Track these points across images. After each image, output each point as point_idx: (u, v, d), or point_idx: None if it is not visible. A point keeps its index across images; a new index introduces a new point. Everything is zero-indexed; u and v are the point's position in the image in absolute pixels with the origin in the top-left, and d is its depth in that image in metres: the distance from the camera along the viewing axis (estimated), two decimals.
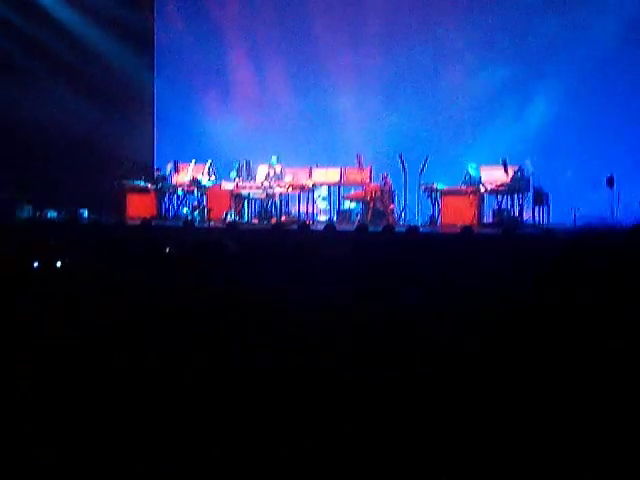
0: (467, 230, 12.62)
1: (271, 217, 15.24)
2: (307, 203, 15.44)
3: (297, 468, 2.10)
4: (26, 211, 15.91)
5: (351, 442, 2.13)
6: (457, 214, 14.26)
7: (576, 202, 13.23)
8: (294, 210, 15.67)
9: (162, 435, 2.20)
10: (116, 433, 2.22)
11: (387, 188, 15.09)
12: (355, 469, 2.08)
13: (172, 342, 2.61)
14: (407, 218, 15.12)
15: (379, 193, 14.99)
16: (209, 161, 16.23)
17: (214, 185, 15.98)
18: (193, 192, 16.24)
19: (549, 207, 14.31)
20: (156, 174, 16.77)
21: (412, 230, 12.87)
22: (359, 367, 2.42)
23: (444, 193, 14.64)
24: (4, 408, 2.28)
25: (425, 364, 2.46)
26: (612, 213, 13.39)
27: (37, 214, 15.88)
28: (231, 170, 15.91)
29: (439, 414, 2.18)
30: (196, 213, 15.72)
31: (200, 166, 16.25)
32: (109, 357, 2.52)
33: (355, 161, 15.39)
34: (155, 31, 18.53)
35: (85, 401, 2.32)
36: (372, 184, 15.20)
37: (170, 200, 16.58)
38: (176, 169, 16.61)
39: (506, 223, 13.94)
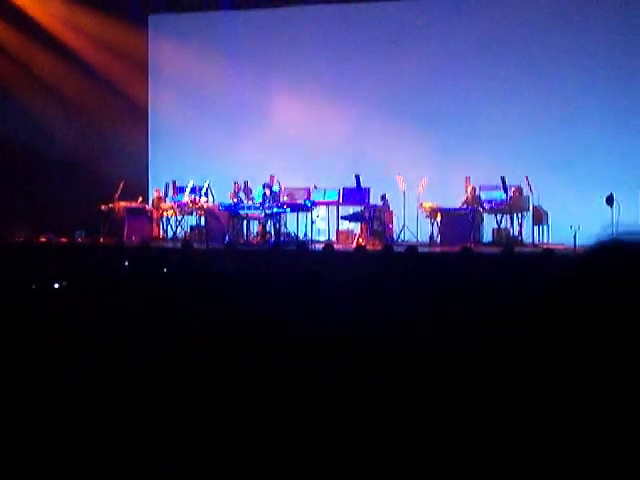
0: (466, 250, 12.58)
1: (270, 237, 15.19)
2: (306, 223, 15.39)
3: (297, 468, 2.06)
4: (23, 233, 15.84)
5: (351, 442, 2.10)
6: (456, 234, 14.22)
7: (576, 221, 13.16)
8: (292, 230, 15.62)
9: (162, 435, 2.16)
10: (116, 433, 2.17)
11: (386, 208, 15.06)
12: (355, 469, 2.04)
13: (172, 342, 2.57)
14: (406, 238, 15.07)
15: (378, 213, 14.96)
16: (207, 181, 16.18)
17: (212, 205, 15.94)
18: (191, 213, 16.20)
19: (549, 226, 14.29)
20: (154, 195, 16.74)
21: (411, 250, 12.82)
22: (359, 367, 2.38)
23: (443, 213, 14.62)
24: (4, 408, 2.24)
25: (425, 365, 2.42)
26: (612, 232, 13.31)
27: (34, 236, 15.81)
28: (229, 190, 15.88)
29: (439, 414, 2.13)
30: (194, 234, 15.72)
31: (198, 187, 16.20)
32: (108, 358, 2.48)
33: (354, 181, 15.37)
34: (150, 51, 18.51)
35: (85, 401, 2.27)
36: (371, 204, 15.17)
37: (168, 221, 16.53)
38: (174, 190, 16.55)
39: (505, 242, 13.92)
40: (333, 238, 15.48)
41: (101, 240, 15.34)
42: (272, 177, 15.70)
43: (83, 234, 16.10)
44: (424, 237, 14.89)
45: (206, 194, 16.14)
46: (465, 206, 14.68)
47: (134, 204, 16.36)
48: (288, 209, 15.36)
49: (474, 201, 14.69)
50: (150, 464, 2.09)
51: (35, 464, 2.08)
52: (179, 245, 14.64)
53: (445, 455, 2.06)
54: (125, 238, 15.64)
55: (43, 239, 15.68)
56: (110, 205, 16.01)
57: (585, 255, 1.93)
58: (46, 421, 2.21)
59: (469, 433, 2.07)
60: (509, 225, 14.61)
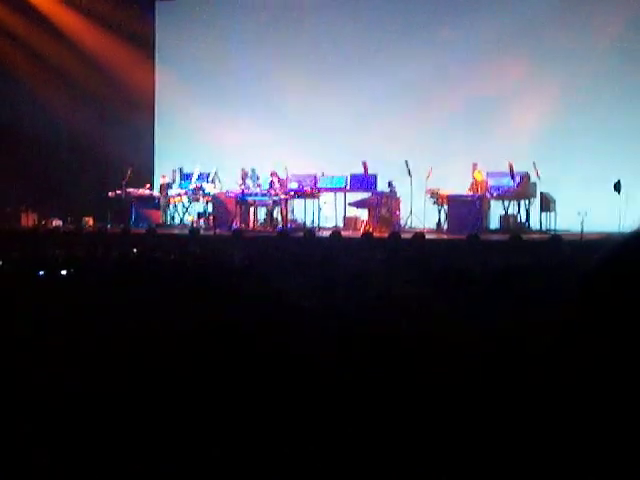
0: (473, 236, 12.57)
1: (277, 224, 15.20)
2: (313, 210, 15.37)
3: (297, 468, 2.06)
4: (30, 220, 15.88)
5: (351, 442, 2.10)
6: (463, 220, 14.18)
7: (583, 208, 13.10)
8: (300, 217, 15.60)
9: (162, 435, 2.16)
10: (116, 433, 2.18)
11: (393, 195, 15.03)
12: (355, 469, 2.04)
13: (172, 341, 2.58)
14: (413, 225, 15.04)
15: (385, 200, 14.93)
16: (214, 168, 16.17)
17: (219, 192, 15.93)
18: (198, 200, 16.19)
19: (556, 213, 14.24)
20: (161, 181, 16.73)
21: (418, 236, 12.82)
22: (359, 367, 2.37)
23: (450, 199, 14.57)
24: (4, 408, 2.25)
25: (426, 363, 2.41)
26: (619, 219, 13.26)
27: (42, 222, 15.86)
28: (236, 177, 15.87)
29: (439, 414, 2.13)
30: (201, 221, 15.73)
31: (205, 173, 16.20)
32: (108, 358, 2.48)
33: (361, 168, 15.33)
34: (156, 37, 18.47)
35: (85, 400, 2.28)
36: (378, 191, 15.14)
37: (175, 208, 16.53)
38: (181, 176, 16.55)
39: (513, 229, 13.89)
40: (340, 225, 15.47)
41: (109, 227, 15.37)
42: (279, 164, 15.67)
43: (91, 221, 16.13)
44: (431, 224, 14.84)
45: (213, 181, 16.13)
46: (472, 193, 14.63)
47: (141, 191, 16.36)
48: (295, 196, 15.35)
49: (481, 188, 14.64)
50: (150, 464, 2.09)
51: (35, 463, 2.09)
52: (186, 232, 14.67)
53: (445, 455, 2.06)
54: (132, 225, 15.66)
55: (51, 226, 15.73)
56: (117, 192, 16.01)
57: (624, 242, 1.89)
58: (45, 420, 2.22)
59: (471, 432, 2.07)
60: (516, 212, 14.57)
